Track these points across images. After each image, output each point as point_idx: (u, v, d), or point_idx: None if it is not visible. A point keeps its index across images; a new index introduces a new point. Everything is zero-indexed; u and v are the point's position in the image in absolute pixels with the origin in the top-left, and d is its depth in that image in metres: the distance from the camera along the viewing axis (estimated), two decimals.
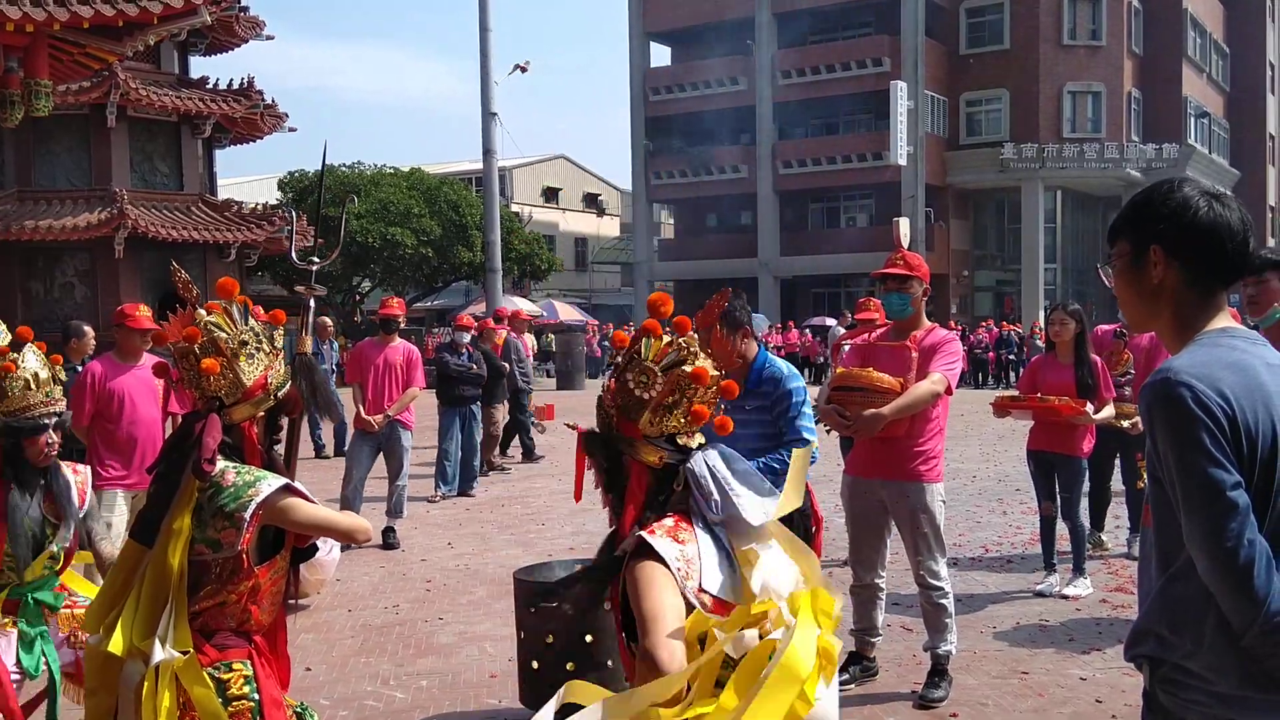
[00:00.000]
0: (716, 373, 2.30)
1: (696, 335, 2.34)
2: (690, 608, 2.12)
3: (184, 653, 2.45)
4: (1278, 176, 53.02)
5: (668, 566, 2.13)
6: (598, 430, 2.33)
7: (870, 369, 4.69)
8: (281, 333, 2.75)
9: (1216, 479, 1.66)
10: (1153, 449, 1.76)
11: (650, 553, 2.15)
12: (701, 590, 2.15)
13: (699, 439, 2.32)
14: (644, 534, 2.17)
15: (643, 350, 2.28)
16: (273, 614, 2.66)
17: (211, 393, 2.58)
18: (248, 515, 2.49)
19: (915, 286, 4.85)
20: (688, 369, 2.24)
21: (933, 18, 38.96)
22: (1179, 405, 1.69)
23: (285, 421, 2.79)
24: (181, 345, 2.59)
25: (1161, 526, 1.79)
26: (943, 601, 4.85)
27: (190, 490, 2.49)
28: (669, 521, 2.21)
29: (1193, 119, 42.92)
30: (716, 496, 2.21)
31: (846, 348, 5.24)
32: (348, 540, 2.76)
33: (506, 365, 12.21)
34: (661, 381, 2.24)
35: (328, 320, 15.86)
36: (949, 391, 4.75)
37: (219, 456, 2.53)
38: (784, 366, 4.46)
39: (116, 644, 2.45)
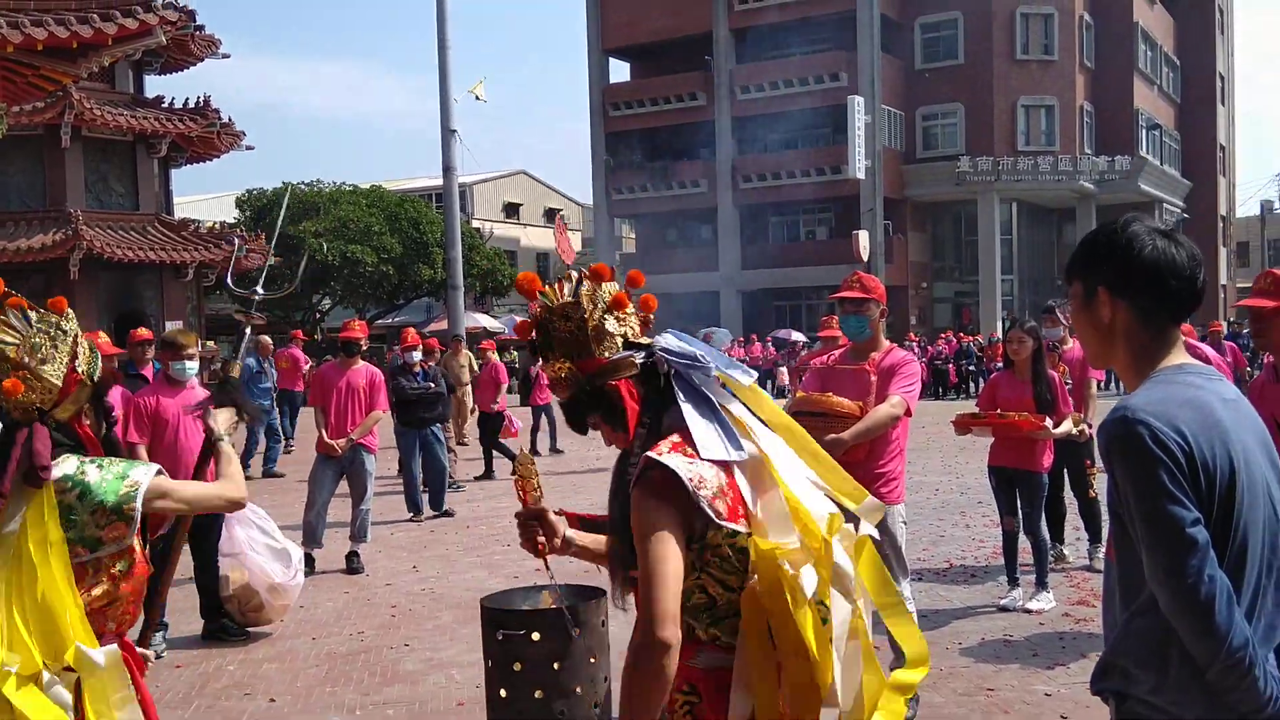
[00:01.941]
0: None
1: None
2: (706, 521, 2.06)
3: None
4: (1228, 186, 54.06)
5: (678, 478, 2.05)
6: (571, 400, 2.27)
7: (829, 394, 4.72)
8: (68, 317, 2.63)
9: (1176, 516, 1.69)
10: (1113, 486, 1.78)
11: (658, 468, 2.07)
12: (719, 496, 2.08)
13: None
14: (650, 453, 2.10)
15: (549, 305, 2.27)
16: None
17: (25, 405, 2.50)
18: (138, 505, 2.46)
19: (872, 308, 4.90)
20: (585, 284, 2.26)
21: (888, 33, 39.39)
22: (1137, 444, 1.72)
23: (113, 396, 2.75)
24: None
25: (1124, 561, 1.81)
26: None
27: (37, 500, 2.41)
28: (674, 438, 2.14)
29: (1144, 131, 43.65)
30: (699, 352, 2.22)
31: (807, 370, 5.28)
32: (232, 509, 2.74)
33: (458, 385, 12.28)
34: (579, 306, 2.23)
35: (268, 339, 15.73)
36: (908, 413, 4.78)
37: (67, 455, 2.50)
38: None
39: (27, 664, 2.34)
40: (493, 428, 13.55)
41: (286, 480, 13.61)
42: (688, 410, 2.16)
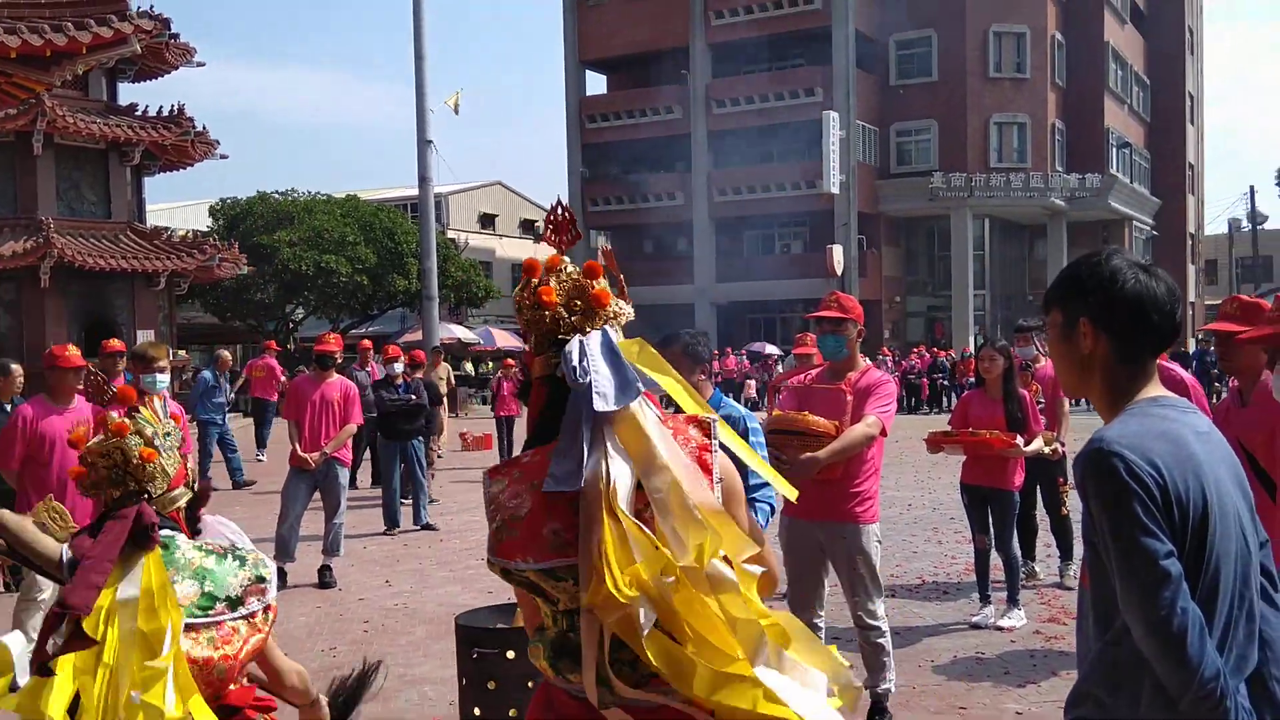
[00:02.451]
0: (574, 275, 2.18)
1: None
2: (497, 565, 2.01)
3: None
4: (1196, 205, 54.70)
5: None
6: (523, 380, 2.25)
7: (806, 413, 4.74)
8: (179, 429, 2.81)
9: (1150, 548, 1.71)
10: (1087, 517, 1.81)
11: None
12: (505, 527, 2.00)
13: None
14: (486, 473, 2.12)
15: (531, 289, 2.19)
16: None
17: (141, 483, 2.58)
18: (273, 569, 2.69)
19: (849, 328, 4.94)
20: (554, 279, 2.16)
21: (863, 50, 39.67)
22: (1112, 476, 1.74)
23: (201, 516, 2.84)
24: (110, 441, 2.56)
25: (1098, 590, 1.84)
26: (880, 641, 4.92)
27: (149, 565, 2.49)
28: (528, 454, 2.09)
29: (1114, 149, 44.11)
30: (575, 363, 2.03)
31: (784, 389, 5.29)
32: None
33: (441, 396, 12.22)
34: (528, 304, 2.16)
35: (226, 354, 15.66)
36: (884, 433, 4.82)
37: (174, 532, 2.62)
38: (739, 409, 4.40)
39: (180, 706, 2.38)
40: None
41: (259, 493, 13.52)
42: (563, 431, 2.04)
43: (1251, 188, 67.01)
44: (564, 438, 2.01)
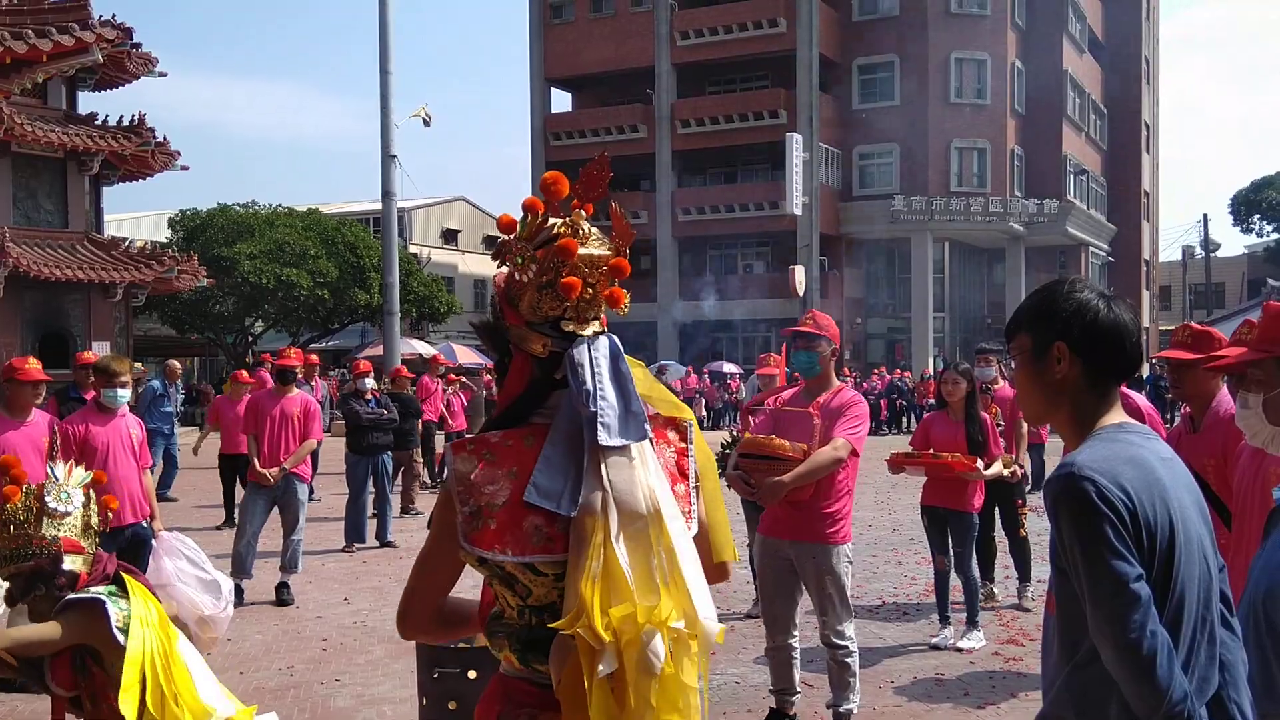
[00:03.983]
0: (603, 251, 2.04)
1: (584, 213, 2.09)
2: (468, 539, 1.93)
3: None
4: (1151, 232, 55.62)
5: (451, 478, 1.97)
6: (488, 330, 2.13)
7: (774, 437, 4.77)
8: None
9: (1120, 572, 1.73)
10: (1058, 540, 1.83)
11: (448, 462, 1.99)
12: (479, 515, 1.93)
13: (594, 327, 2.03)
14: (450, 447, 2.01)
15: (519, 229, 2.06)
16: None
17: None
18: None
19: (824, 345, 4.96)
20: (556, 243, 2.00)
21: (826, 73, 40.05)
22: (1083, 500, 1.76)
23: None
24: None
25: (1065, 615, 1.86)
26: (848, 660, 4.92)
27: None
28: (493, 435, 1.99)
29: (1072, 176, 44.77)
30: (588, 386, 1.93)
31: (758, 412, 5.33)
32: None
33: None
34: (536, 259, 2.01)
35: (175, 363, 15.48)
36: (855, 454, 4.84)
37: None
38: None
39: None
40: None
41: (212, 507, 13.33)
42: (552, 438, 1.94)
43: (1205, 216, 68.26)
44: (554, 446, 1.93)
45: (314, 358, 13.34)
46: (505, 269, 2.08)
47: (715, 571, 2.15)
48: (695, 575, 1.91)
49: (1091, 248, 46.89)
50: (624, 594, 1.82)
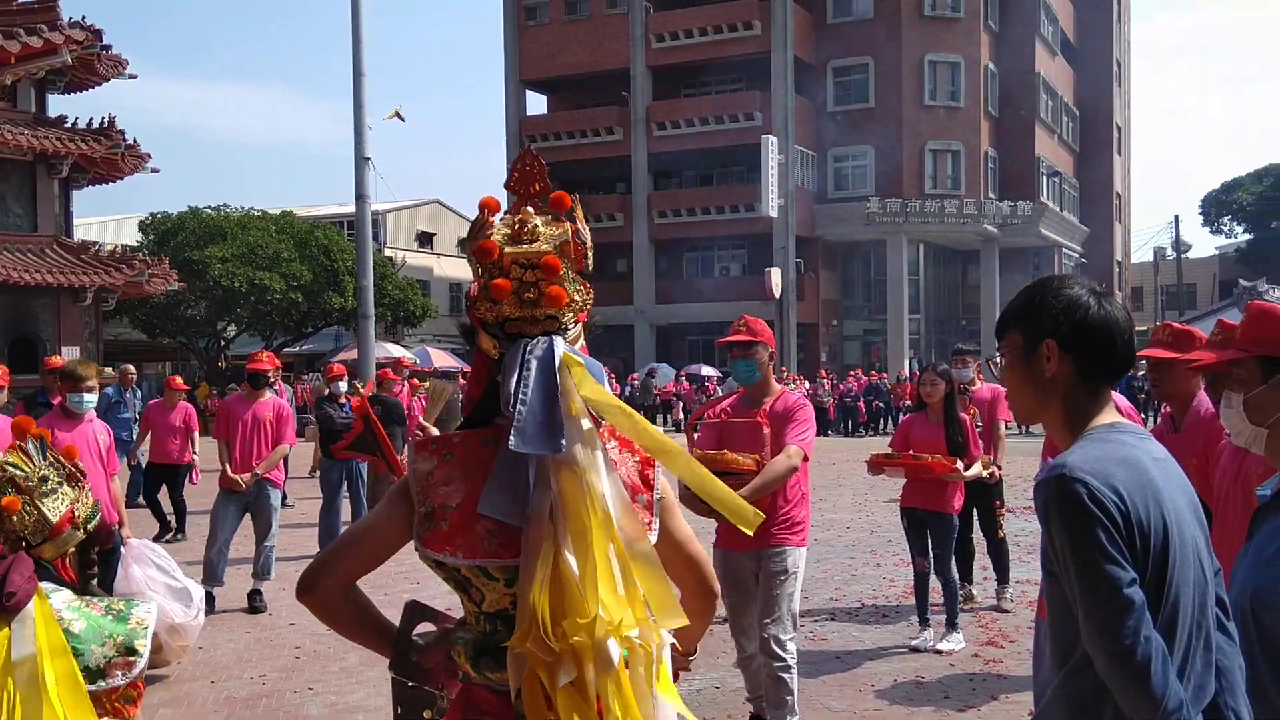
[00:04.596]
0: (539, 248, 1.97)
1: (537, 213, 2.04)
2: (425, 540, 1.93)
3: None
4: (1123, 233, 56.10)
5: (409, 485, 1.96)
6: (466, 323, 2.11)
7: (725, 451, 4.63)
8: (80, 467, 2.63)
9: (1113, 576, 1.68)
10: (1049, 544, 1.78)
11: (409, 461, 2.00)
12: (432, 517, 1.93)
13: (544, 327, 1.96)
14: (412, 446, 2.03)
15: (471, 229, 2.07)
16: None
17: (16, 532, 2.43)
18: (149, 640, 2.45)
19: (760, 351, 4.84)
20: (475, 244, 1.97)
21: (801, 76, 40.17)
22: (1075, 502, 1.71)
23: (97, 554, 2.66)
24: None
25: (1057, 620, 1.81)
26: (784, 676, 4.66)
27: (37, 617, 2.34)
28: (460, 435, 2.00)
29: (1045, 178, 45.12)
30: (509, 390, 1.89)
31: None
32: None
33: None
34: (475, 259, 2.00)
35: (130, 367, 15.28)
36: (807, 458, 4.75)
37: (59, 587, 2.42)
38: None
39: None
40: None
41: (189, 515, 13.17)
42: (504, 445, 1.89)
43: (1176, 217, 68.59)
44: (505, 455, 1.88)
45: (387, 371, 13.01)
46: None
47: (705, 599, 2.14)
48: (653, 584, 1.87)
49: (1065, 249, 47.23)
50: (574, 602, 1.79)
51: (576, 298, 2.01)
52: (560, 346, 1.95)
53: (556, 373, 1.91)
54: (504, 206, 2.07)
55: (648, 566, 1.88)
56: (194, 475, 11.88)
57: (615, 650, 1.78)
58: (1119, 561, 1.69)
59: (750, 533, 2.13)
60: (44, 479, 2.48)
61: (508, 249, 1.97)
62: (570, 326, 2.02)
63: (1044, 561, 1.82)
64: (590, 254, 2.08)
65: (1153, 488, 1.77)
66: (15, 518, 2.41)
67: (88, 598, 2.48)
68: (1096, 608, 1.69)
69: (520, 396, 1.87)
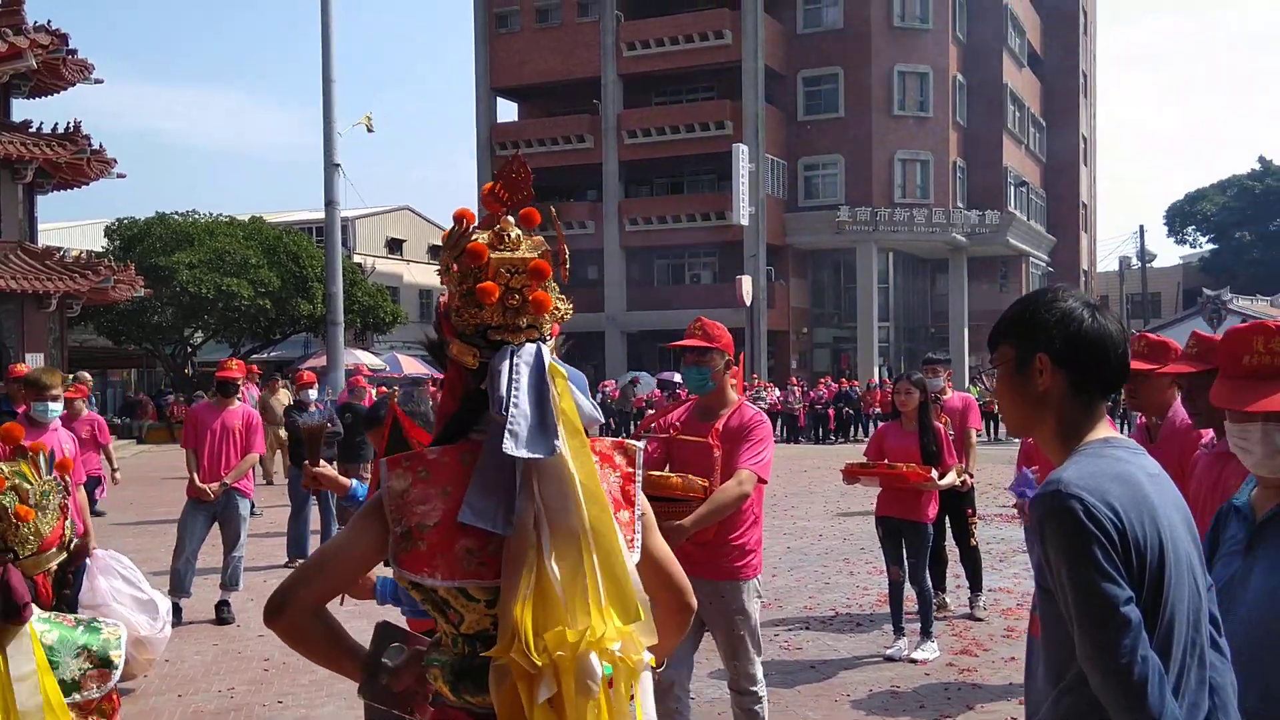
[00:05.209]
0: (525, 254, 1.96)
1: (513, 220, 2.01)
2: (399, 556, 1.87)
3: None
4: (1089, 243, 56.68)
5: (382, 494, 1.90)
6: (433, 337, 2.06)
7: (669, 474, 4.15)
8: (68, 482, 2.57)
9: (1110, 594, 1.66)
10: (1044, 561, 1.75)
11: (379, 482, 1.93)
12: (409, 537, 1.86)
13: (527, 335, 1.94)
14: (383, 461, 1.95)
15: (448, 238, 1.99)
16: None
17: (8, 545, 2.36)
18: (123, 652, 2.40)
19: (716, 359, 4.35)
20: (465, 247, 1.93)
21: (772, 85, 40.34)
22: (1071, 519, 1.69)
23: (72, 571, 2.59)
24: None
25: (1050, 638, 1.78)
26: (757, 709, 4.33)
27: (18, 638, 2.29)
28: (435, 451, 1.93)
29: (1012, 188, 45.51)
30: (501, 393, 1.85)
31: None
32: None
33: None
34: (455, 265, 1.95)
35: (87, 375, 15.12)
36: (763, 481, 4.28)
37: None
38: None
39: None
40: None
41: (153, 523, 13.01)
42: (485, 454, 1.86)
43: (1141, 227, 69.75)
44: (488, 463, 1.85)
45: (359, 379, 12.88)
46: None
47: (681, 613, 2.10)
48: (636, 598, 1.84)
49: (1032, 258, 47.64)
50: (557, 615, 1.76)
51: (560, 306, 1.99)
52: (547, 353, 1.93)
53: (548, 376, 1.89)
54: (476, 218, 2.03)
55: (633, 583, 1.85)
56: (101, 490, 11.28)
57: (598, 666, 1.75)
58: (1115, 579, 1.67)
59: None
60: (43, 494, 2.42)
61: (493, 254, 1.94)
62: (549, 337, 1.99)
63: (1037, 578, 1.79)
64: (567, 265, 2.07)
65: (1148, 504, 1.75)
66: (21, 528, 2.36)
67: (56, 612, 2.42)
68: (1092, 626, 1.67)
69: (512, 399, 1.84)
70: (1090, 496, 1.70)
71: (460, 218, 1.98)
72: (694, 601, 2.14)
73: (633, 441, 2.08)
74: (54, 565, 2.45)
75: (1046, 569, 1.75)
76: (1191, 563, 1.80)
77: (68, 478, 2.57)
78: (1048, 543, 1.73)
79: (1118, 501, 1.71)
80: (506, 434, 1.81)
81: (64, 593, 2.50)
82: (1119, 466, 1.79)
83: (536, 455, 1.82)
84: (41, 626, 2.32)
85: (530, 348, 1.91)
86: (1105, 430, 1.88)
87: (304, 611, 1.97)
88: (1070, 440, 1.87)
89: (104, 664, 2.33)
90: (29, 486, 2.40)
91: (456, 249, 1.95)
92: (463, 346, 1.95)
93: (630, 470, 2.02)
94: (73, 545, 2.49)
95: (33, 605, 2.32)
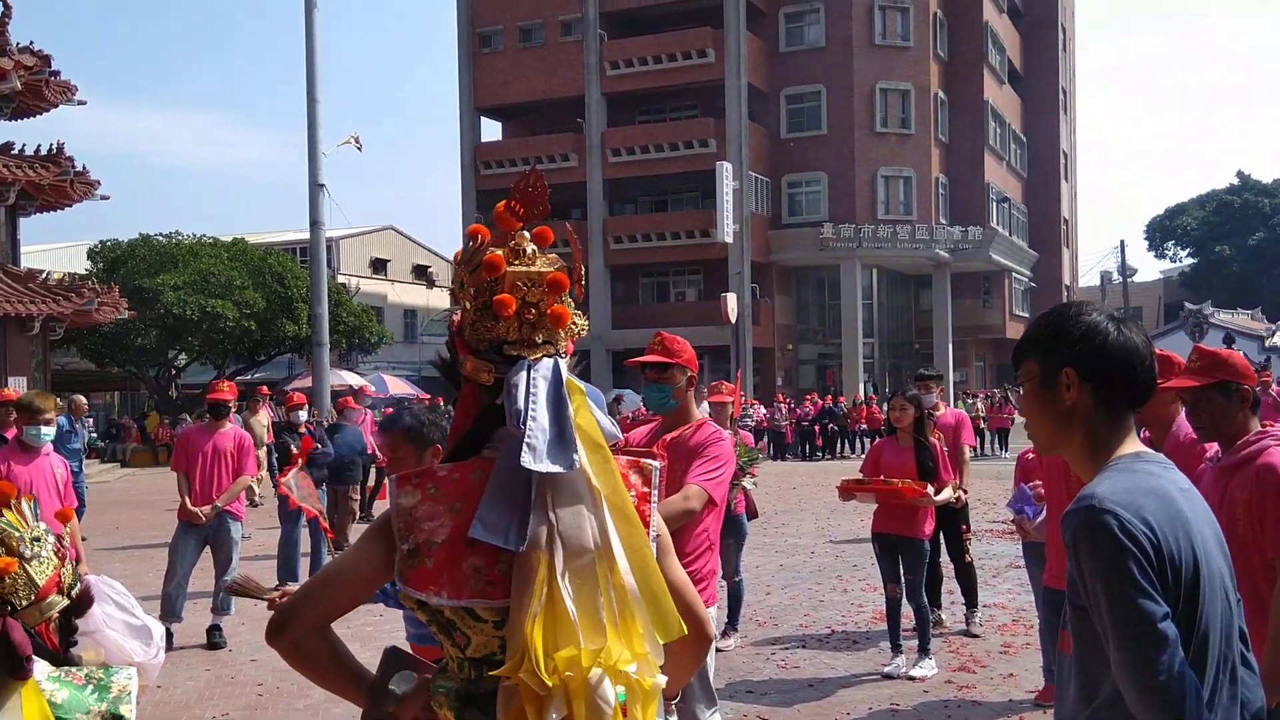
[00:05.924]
0: (543, 268, 1.93)
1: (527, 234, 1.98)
2: (405, 573, 1.83)
3: None
4: (1071, 257, 57.05)
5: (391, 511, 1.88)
6: (445, 357, 2.02)
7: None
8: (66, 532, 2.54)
9: (1147, 611, 1.65)
10: (1077, 577, 1.74)
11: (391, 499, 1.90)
12: (417, 555, 1.83)
13: (544, 350, 1.91)
14: (392, 477, 1.92)
15: (462, 256, 1.98)
16: None
17: (3, 596, 2.32)
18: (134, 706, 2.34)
19: (678, 375, 4.18)
20: (482, 259, 1.91)
21: (755, 102, 40.53)
22: (1106, 535, 1.68)
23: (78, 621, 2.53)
24: None
25: (1084, 655, 1.76)
26: None
27: (24, 694, 2.23)
28: (445, 468, 1.89)
29: (994, 203, 45.79)
30: (519, 406, 1.82)
31: None
32: None
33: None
34: (470, 281, 1.93)
35: (81, 398, 15.02)
36: (713, 502, 3.97)
37: (36, 657, 2.30)
38: None
39: None
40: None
41: (144, 547, 12.91)
42: (498, 471, 1.83)
43: (1122, 242, 70.20)
44: (500, 479, 1.82)
45: (348, 400, 12.81)
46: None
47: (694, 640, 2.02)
48: (675, 613, 1.81)
49: (1014, 273, 47.92)
50: (569, 635, 1.72)
51: (577, 322, 1.97)
52: (564, 368, 1.91)
53: (565, 390, 1.86)
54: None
55: (667, 597, 1.82)
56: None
57: (610, 691, 1.71)
58: (1152, 595, 1.66)
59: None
60: (34, 541, 2.37)
61: (510, 267, 1.92)
62: (564, 355, 1.97)
63: (1070, 595, 1.78)
64: (584, 283, 2.05)
65: (1181, 519, 1.74)
66: (7, 580, 2.30)
67: (66, 668, 2.38)
68: (1129, 643, 1.66)
69: (530, 412, 1.81)
70: (1125, 512, 1.69)
71: (475, 234, 1.96)
72: (712, 631, 2.09)
73: (649, 461, 2.05)
74: (55, 613, 2.39)
75: (1080, 585, 1.73)
76: (1223, 577, 1.79)
77: (66, 535, 2.51)
78: (1082, 559, 1.71)
79: (1152, 517, 1.70)
80: (525, 448, 1.78)
81: (69, 640, 2.44)
82: (1152, 481, 1.78)
83: (556, 469, 1.78)
84: (50, 686, 2.27)
85: (547, 362, 1.88)
86: (1135, 444, 1.87)
87: (307, 630, 1.94)
88: (1100, 455, 1.86)
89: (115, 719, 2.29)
90: (17, 533, 2.35)
91: (472, 263, 1.93)
92: (478, 363, 1.92)
93: (646, 490, 1.99)
94: (75, 592, 2.43)
95: (35, 659, 2.27)
